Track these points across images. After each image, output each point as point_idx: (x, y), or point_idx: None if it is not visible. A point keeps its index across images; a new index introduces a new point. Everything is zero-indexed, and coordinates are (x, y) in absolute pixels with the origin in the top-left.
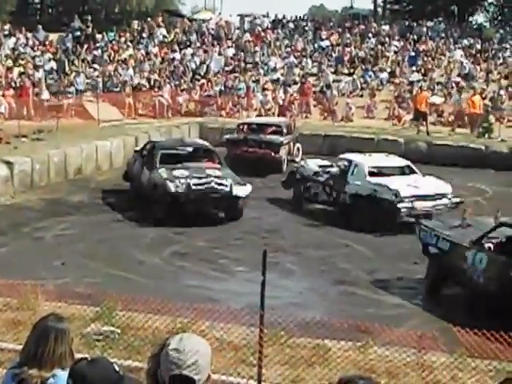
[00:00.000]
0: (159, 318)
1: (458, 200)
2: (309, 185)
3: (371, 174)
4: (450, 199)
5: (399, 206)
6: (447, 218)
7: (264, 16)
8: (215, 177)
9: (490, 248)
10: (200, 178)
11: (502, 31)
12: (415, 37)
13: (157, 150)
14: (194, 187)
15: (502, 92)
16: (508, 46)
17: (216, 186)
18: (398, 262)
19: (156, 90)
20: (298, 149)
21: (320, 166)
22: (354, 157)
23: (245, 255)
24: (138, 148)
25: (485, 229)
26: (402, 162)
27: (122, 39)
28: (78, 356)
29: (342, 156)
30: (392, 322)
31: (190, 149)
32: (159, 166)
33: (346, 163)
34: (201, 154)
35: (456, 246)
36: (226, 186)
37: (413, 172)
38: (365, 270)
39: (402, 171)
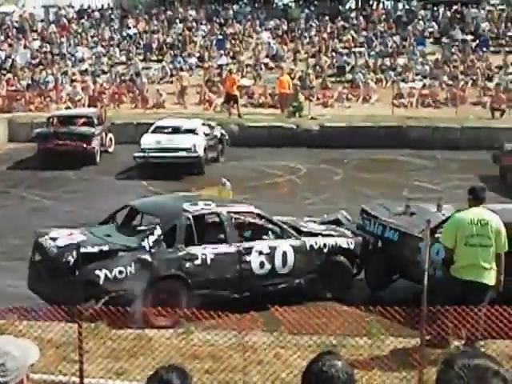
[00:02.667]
0: None
1: (195, 154)
2: None
3: (153, 131)
4: (189, 153)
5: (136, 154)
6: (390, 204)
7: (69, 6)
8: None
9: None
10: None
11: (307, 11)
12: (222, 20)
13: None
14: None
15: (310, 71)
16: (314, 25)
17: None
18: None
19: None
20: (111, 139)
21: None
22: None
23: None
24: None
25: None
26: (186, 126)
27: None
28: None
29: None
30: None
31: None
32: None
33: None
34: None
35: (407, 236)
36: None
37: (192, 132)
38: None
39: (181, 131)
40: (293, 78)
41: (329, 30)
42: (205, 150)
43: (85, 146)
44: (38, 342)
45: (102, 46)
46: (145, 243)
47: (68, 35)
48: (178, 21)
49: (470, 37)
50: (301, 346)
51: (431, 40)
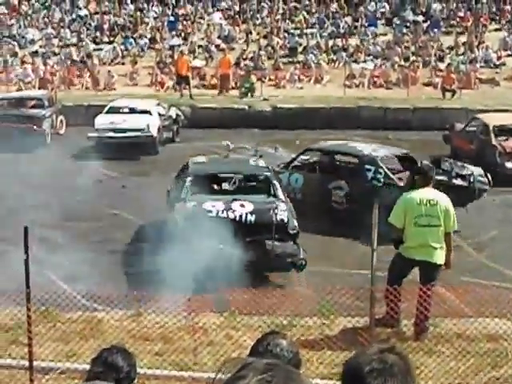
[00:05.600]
0: None
1: (149, 134)
2: None
3: (107, 112)
4: (143, 133)
5: (90, 134)
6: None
7: None
8: None
9: (303, 169)
10: None
11: None
12: (174, 1)
13: None
14: None
15: (262, 52)
16: (266, 6)
17: None
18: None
19: None
20: (62, 121)
21: None
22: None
23: (10, 233)
24: None
25: (272, 156)
26: (140, 106)
27: None
28: None
29: None
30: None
31: None
32: None
33: None
34: None
35: None
36: None
37: (146, 113)
38: (136, 238)
39: (135, 111)
40: (245, 59)
41: (281, 11)
42: (159, 130)
43: (35, 128)
44: None
45: (53, 27)
46: (281, 196)
47: (18, 16)
48: (129, 1)
49: (421, 17)
50: (251, 327)
51: (383, 21)
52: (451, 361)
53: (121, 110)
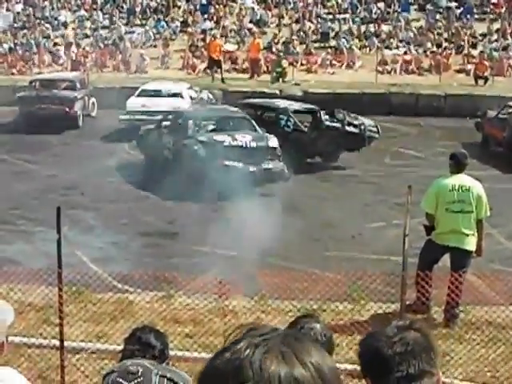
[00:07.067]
0: None
1: None
2: None
3: (138, 95)
4: None
5: (121, 117)
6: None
7: None
8: None
9: None
10: None
11: None
12: None
13: None
14: None
15: (294, 37)
16: None
17: None
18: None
19: None
20: (93, 103)
21: None
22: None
23: (43, 214)
24: None
25: None
26: (171, 89)
27: None
28: None
29: None
30: (196, 270)
31: None
32: None
33: None
34: None
35: None
36: None
37: (177, 96)
38: (166, 220)
39: (167, 94)
40: (276, 44)
41: None
42: None
43: (67, 109)
44: (19, 305)
45: (85, 9)
46: (260, 131)
47: None
48: None
49: (454, 4)
50: (281, 311)
51: (415, 7)
52: (481, 348)
53: (152, 93)
